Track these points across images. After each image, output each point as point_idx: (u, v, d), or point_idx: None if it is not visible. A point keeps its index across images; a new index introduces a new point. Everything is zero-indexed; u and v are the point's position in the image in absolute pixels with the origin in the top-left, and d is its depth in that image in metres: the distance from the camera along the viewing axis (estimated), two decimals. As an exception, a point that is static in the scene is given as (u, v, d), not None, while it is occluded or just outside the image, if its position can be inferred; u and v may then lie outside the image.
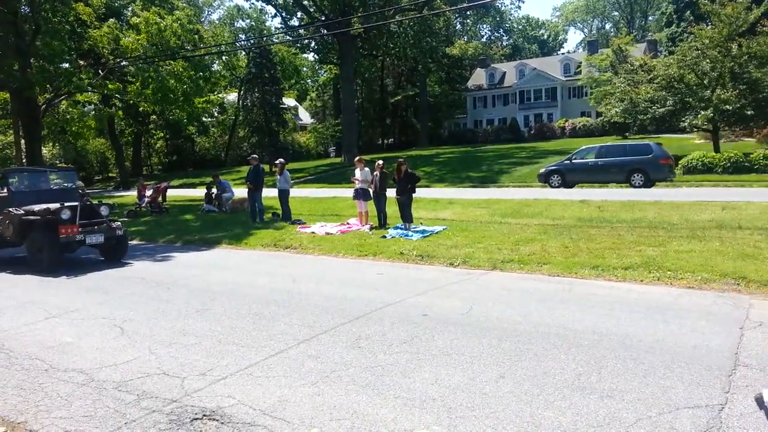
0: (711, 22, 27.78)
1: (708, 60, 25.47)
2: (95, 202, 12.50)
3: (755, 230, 10.00)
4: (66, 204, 10.35)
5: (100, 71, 27.58)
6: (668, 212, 12.57)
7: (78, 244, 10.47)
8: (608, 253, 9.02)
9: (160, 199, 20.98)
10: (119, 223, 11.43)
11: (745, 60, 24.70)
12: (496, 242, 10.59)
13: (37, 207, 10.52)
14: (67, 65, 25.79)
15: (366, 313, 6.65)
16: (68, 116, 29.62)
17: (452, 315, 6.40)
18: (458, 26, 66.63)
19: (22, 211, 10.40)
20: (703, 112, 25.23)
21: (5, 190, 12.07)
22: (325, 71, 71.11)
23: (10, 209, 10.60)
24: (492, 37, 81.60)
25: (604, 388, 4.25)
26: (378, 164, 13.55)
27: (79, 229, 10.33)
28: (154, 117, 47.18)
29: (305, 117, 75.71)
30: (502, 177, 27.66)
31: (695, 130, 29.89)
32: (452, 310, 6.63)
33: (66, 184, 12.52)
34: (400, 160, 13.55)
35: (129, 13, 34.92)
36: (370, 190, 13.79)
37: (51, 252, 10.04)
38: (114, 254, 11.36)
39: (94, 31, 27.08)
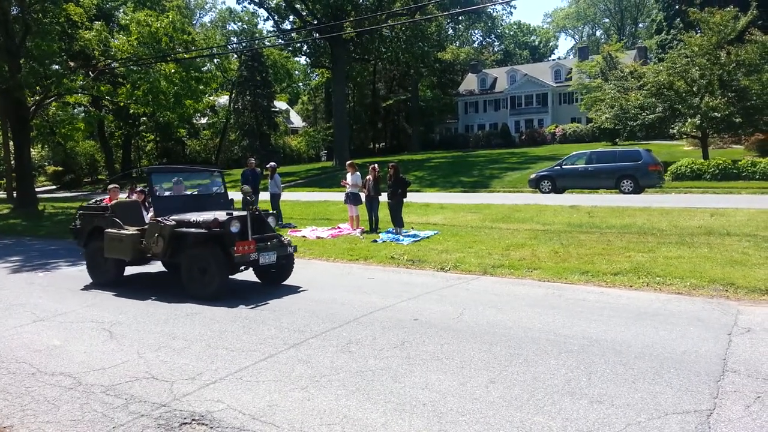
0: (700, 30, 28.05)
1: (697, 67, 25.71)
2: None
3: (743, 237, 10.08)
4: (235, 214, 8.17)
5: (90, 73, 27.42)
6: (657, 218, 12.66)
7: (251, 264, 8.13)
8: (598, 259, 9.07)
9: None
10: (288, 238, 9.08)
11: (734, 68, 24.96)
12: (486, 247, 10.61)
13: (193, 216, 8.26)
14: (57, 67, 25.63)
15: (356, 317, 6.64)
16: (58, 118, 29.40)
17: (443, 320, 6.41)
18: (450, 31, 66.78)
19: (173, 222, 8.17)
20: (691, 119, 25.45)
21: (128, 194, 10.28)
22: (317, 75, 71.12)
23: (158, 219, 8.31)
24: (483, 43, 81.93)
25: (593, 394, 4.27)
26: (373, 168, 13.56)
27: (255, 246, 8.06)
28: (144, 119, 46.96)
29: (297, 120, 75.65)
30: (493, 182, 27.75)
31: (684, 136, 30.12)
32: (443, 314, 6.64)
33: (214, 188, 10.04)
34: (392, 164, 13.57)
35: (120, 15, 34.77)
36: (362, 195, 13.79)
37: (221, 274, 7.74)
38: (277, 276, 8.80)
39: (85, 32, 26.94)
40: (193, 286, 7.90)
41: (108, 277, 9.15)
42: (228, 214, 8.09)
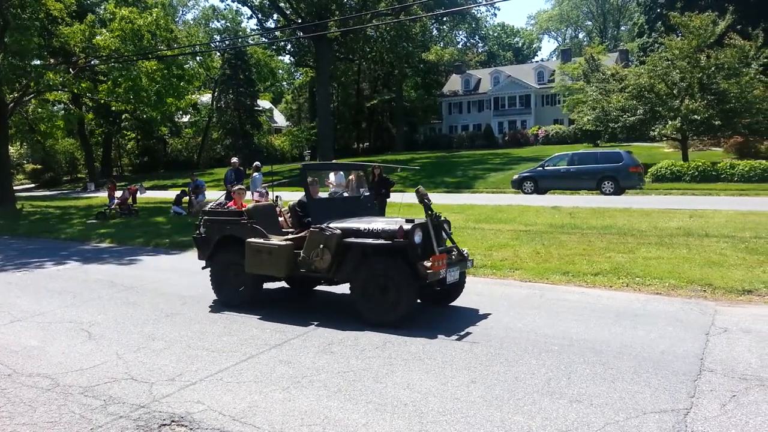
0: (681, 34, 28.42)
1: (677, 70, 26.06)
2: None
3: (721, 238, 10.23)
4: (416, 221, 6.72)
5: (70, 69, 27.06)
6: (637, 219, 12.80)
7: (439, 282, 6.54)
8: (579, 259, 9.15)
9: (130, 200, 20.65)
10: (466, 249, 7.53)
11: (713, 71, 25.32)
12: (469, 247, 10.56)
13: (361, 224, 6.84)
14: (38, 62, 25.27)
15: (338, 317, 6.63)
16: (37, 115, 28.98)
17: (425, 320, 6.42)
18: (435, 32, 66.92)
19: (339, 230, 6.70)
20: (672, 122, 25.77)
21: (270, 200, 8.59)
22: (301, 74, 70.94)
23: (321, 226, 6.80)
24: (468, 44, 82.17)
25: (573, 393, 4.31)
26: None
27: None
28: (127, 116, 46.42)
29: (280, 120, 75.34)
30: (477, 183, 27.87)
31: (665, 139, 30.50)
32: (425, 314, 6.65)
33: (361, 190, 8.56)
34: (375, 164, 13.56)
35: (101, 11, 34.36)
36: (345, 195, 13.74)
37: (410, 295, 6.27)
38: (446, 295, 7.19)
39: (65, 28, 26.58)
40: (372, 309, 6.42)
41: (242, 297, 7.40)
42: (408, 221, 6.69)
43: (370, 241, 6.55)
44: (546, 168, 22.72)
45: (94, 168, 50.42)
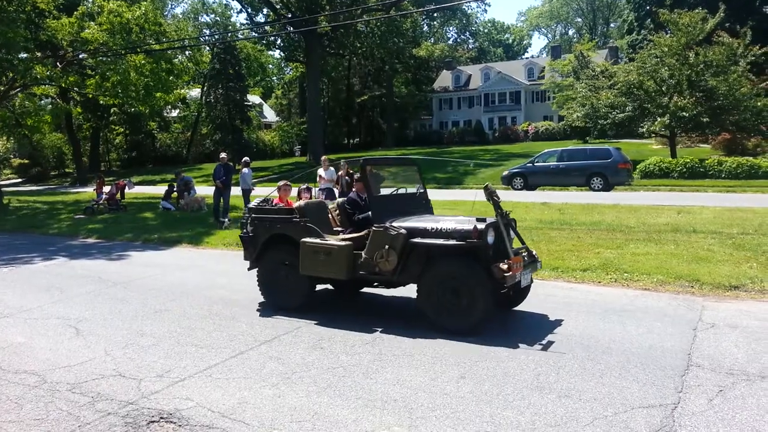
0: (670, 31, 28.54)
1: (666, 67, 26.16)
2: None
3: (709, 234, 10.31)
4: (488, 220, 6.26)
5: (58, 63, 26.76)
6: (626, 215, 12.87)
7: (514, 287, 6.12)
8: (567, 255, 9.19)
9: (118, 196, 20.49)
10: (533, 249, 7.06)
11: (702, 68, 25.44)
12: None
13: (428, 223, 6.39)
14: (24, 55, 24.97)
15: (328, 313, 6.62)
16: (24, 109, 28.63)
17: (414, 316, 6.42)
18: (425, 28, 66.91)
19: (405, 230, 6.23)
20: (660, 119, 25.89)
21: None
22: (291, 69, 70.64)
23: (385, 225, 6.32)
24: (458, 40, 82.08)
25: (561, 388, 4.33)
26: (342, 164, 13.52)
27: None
28: (115, 110, 45.99)
29: (270, 115, 74.95)
30: (467, 178, 27.90)
31: (653, 135, 30.65)
32: (414, 311, 6.64)
33: (416, 186, 8.08)
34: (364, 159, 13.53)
35: (89, 4, 34.02)
36: (336, 190, 13.74)
37: (486, 299, 5.76)
38: (512, 299, 6.70)
39: (53, 21, 26.28)
40: (442, 314, 5.96)
41: (297, 300, 6.93)
42: (480, 220, 6.19)
43: (440, 241, 6.09)
44: (536, 164, 22.82)
45: (81, 163, 49.91)
